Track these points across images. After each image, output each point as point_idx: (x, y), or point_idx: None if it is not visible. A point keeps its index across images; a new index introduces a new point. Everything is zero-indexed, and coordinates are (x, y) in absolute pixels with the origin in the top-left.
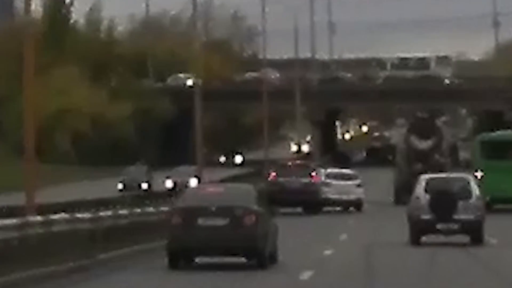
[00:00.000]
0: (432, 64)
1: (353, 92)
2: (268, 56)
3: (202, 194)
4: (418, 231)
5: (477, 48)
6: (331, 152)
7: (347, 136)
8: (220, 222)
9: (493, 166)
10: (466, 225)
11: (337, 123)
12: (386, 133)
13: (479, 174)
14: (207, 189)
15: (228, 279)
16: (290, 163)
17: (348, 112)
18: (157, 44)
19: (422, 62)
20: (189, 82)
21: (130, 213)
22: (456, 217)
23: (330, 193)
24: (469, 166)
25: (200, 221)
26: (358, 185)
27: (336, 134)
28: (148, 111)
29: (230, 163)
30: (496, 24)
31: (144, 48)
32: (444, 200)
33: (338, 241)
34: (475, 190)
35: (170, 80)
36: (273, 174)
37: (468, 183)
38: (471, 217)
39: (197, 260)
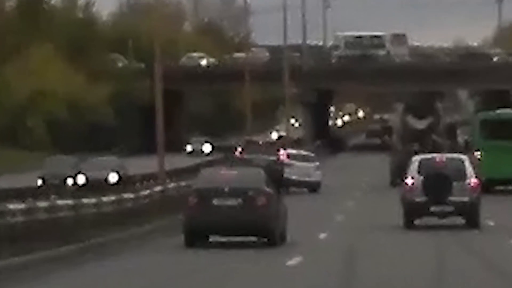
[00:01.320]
0: (388, 43)
1: (347, 72)
2: (261, 42)
3: (216, 176)
4: (411, 214)
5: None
6: (324, 136)
7: (341, 121)
8: (234, 202)
9: (493, 146)
10: (461, 207)
11: (331, 108)
12: (386, 116)
13: (478, 154)
14: (221, 172)
15: (238, 258)
16: (260, 141)
17: (344, 96)
18: (142, 25)
19: (377, 41)
20: (203, 62)
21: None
22: (450, 199)
23: (290, 174)
24: (468, 148)
25: (215, 201)
26: (317, 167)
27: (329, 117)
28: (128, 93)
29: (199, 152)
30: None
31: (125, 27)
32: (438, 182)
33: (331, 224)
34: (470, 171)
35: (184, 60)
36: (239, 150)
37: (463, 163)
38: (466, 199)
39: (211, 239)
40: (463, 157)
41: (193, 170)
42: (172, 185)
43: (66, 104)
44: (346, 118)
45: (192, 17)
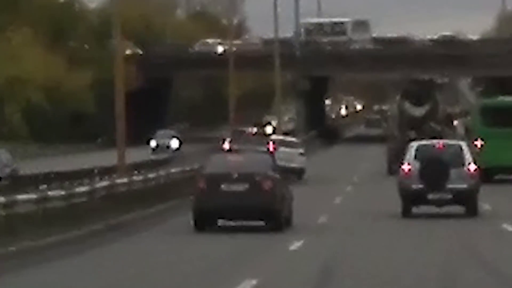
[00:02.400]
0: (349, 29)
1: (341, 59)
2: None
3: (224, 162)
4: (409, 201)
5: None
6: (319, 126)
7: (335, 114)
8: (241, 187)
9: (493, 134)
10: (459, 194)
11: (327, 100)
12: (386, 107)
13: (478, 142)
14: (229, 158)
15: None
16: (249, 131)
17: (342, 89)
18: (130, 10)
19: (338, 27)
20: (220, 49)
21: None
22: (448, 186)
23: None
24: (468, 136)
25: (223, 186)
26: (301, 154)
27: (324, 106)
28: (111, 80)
29: (164, 148)
30: None
31: (109, 10)
32: (435, 168)
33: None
34: (469, 157)
35: (197, 47)
36: (228, 140)
37: (461, 149)
38: (465, 186)
39: (219, 223)
40: (462, 143)
41: (157, 164)
42: (125, 180)
43: (45, 91)
44: (343, 111)
45: (185, 4)
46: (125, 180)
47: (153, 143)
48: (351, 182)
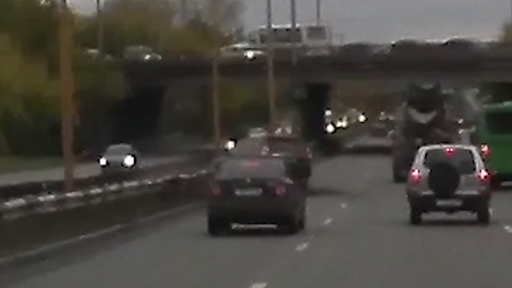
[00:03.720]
0: (304, 35)
1: (341, 65)
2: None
3: (237, 167)
4: (418, 208)
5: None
6: (318, 137)
7: (332, 127)
8: (254, 192)
9: (500, 140)
10: (469, 201)
11: (327, 111)
12: (391, 117)
13: (484, 148)
14: (242, 163)
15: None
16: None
17: (344, 99)
18: (124, 18)
19: (293, 33)
20: (250, 54)
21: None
22: (458, 192)
23: None
24: (473, 143)
25: (237, 192)
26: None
27: (323, 117)
28: (96, 89)
29: (118, 164)
30: None
31: (96, 17)
32: (445, 174)
33: (323, 225)
34: (479, 163)
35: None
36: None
37: (472, 155)
38: (475, 192)
39: (233, 227)
40: (472, 148)
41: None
42: (73, 194)
43: (23, 101)
44: (342, 123)
45: (181, 12)
46: (52, 197)
47: (102, 161)
48: (356, 190)
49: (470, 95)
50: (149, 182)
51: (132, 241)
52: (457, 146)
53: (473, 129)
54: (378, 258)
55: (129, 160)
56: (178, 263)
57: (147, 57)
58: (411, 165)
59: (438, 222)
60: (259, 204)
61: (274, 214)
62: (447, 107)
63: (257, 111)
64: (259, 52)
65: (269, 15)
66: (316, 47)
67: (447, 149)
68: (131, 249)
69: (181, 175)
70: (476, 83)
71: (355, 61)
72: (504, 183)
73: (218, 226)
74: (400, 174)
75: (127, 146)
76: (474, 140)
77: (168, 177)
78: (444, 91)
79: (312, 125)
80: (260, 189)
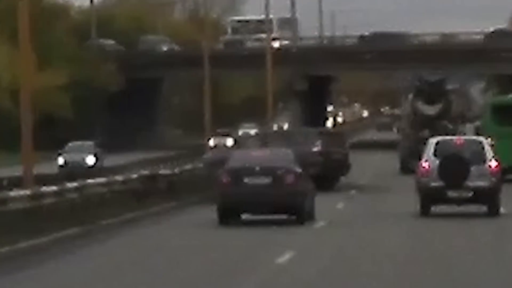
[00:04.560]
0: (274, 27)
1: (343, 55)
2: None
3: (247, 156)
4: (427, 200)
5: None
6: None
7: (340, 119)
8: (264, 181)
9: (506, 132)
10: (479, 192)
11: (329, 107)
12: (397, 111)
13: (490, 141)
14: (252, 152)
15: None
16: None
17: (347, 94)
18: (122, 9)
19: (264, 25)
20: (276, 44)
21: None
22: (468, 183)
23: None
24: (478, 135)
25: (246, 180)
26: None
27: (325, 110)
28: (89, 80)
29: (79, 164)
30: None
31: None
32: (455, 165)
33: (335, 210)
34: (490, 154)
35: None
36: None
37: (482, 146)
38: (485, 183)
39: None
40: (483, 139)
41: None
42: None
43: (11, 94)
44: (340, 118)
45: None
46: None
47: (60, 160)
48: (362, 181)
49: (475, 90)
50: (120, 179)
51: (87, 248)
52: (468, 137)
53: (477, 123)
54: (385, 248)
55: (90, 159)
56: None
57: (165, 48)
58: (418, 157)
59: (447, 215)
60: (268, 192)
61: (283, 203)
62: (453, 99)
63: (258, 106)
64: (285, 42)
65: (266, 6)
66: (286, 39)
67: (457, 140)
68: (83, 258)
69: (161, 171)
70: (483, 74)
71: (356, 51)
72: (510, 176)
73: (228, 215)
74: (407, 166)
75: (89, 143)
76: (480, 133)
77: (145, 173)
78: (450, 87)
79: (313, 119)
80: (270, 178)
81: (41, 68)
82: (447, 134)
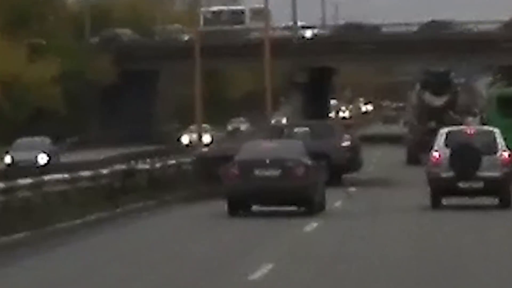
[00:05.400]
0: (247, 18)
1: (344, 46)
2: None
3: (257, 148)
4: (438, 191)
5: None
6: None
7: (342, 114)
8: (274, 173)
9: (511, 125)
10: (491, 183)
11: (333, 101)
12: (402, 104)
13: None
14: (262, 144)
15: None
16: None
17: (353, 89)
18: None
19: (237, 15)
20: (308, 33)
21: None
22: (479, 174)
23: None
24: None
25: (256, 172)
26: None
27: (327, 104)
28: (81, 73)
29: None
30: None
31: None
32: (466, 155)
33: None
34: (502, 144)
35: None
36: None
37: (494, 136)
38: (497, 174)
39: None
40: (494, 129)
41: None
42: None
43: (1, 86)
44: (346, 113)
45: None
46: None
47: (7, 158)
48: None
49: (481, 84)
50: (87, 175)
51: (36, 256)
52: (479, 127)
53: (480, 116)
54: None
55: (42, 158)
56: None
57: (186, 37)
58: (424, 148)
59: (458, 207)
60: (278, 184)
61: (293, 195)
62: (459, 90)
63: (259, 100)
64: (316, 31)
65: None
66: (259, 29)
67: (469, 130)
68: (25, 269)
69: (139, 166)
70: (491, 66)
71: (357, 41)
72: None
73: (237, 207)
74: (414, 157)
75: (40, 140)
76: (484, 124)
77: (120, 168)
78: (455, 81)
79: (315, 113)
80: (279, 170)
81: (31, 61)
82: (453, 125)
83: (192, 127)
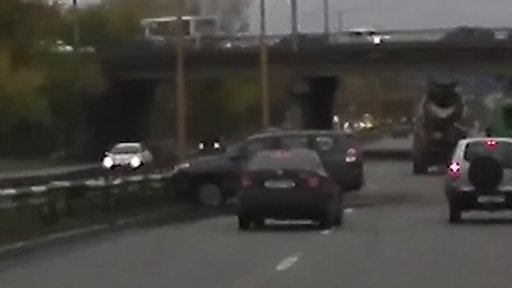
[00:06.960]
0: (192, 28)
1: (347, 56)
2: None
3: (269, 159)
4: (457, 205)
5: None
6: None
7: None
8: (286, 185)
9: None
10: None
11: (336, 118)
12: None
13: None
14: (274, 155)
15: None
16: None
17: (359, 107)
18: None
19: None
20: (376, 40)
21: None
22: (500, 188)
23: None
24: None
25: (268, 184)
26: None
27: (330, 116)
28: (69, 83)
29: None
30: None
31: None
32: (487, 168)
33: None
34: None
35: (342, 37)
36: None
37: None
38: None
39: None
40: None
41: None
42: None
43: None
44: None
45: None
46: None
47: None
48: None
49: (490, 101)
50: (12, 193)
51: None
52: (500, 138)
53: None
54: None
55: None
56: None
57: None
58: (430, 158)
59: (478, 221)
60: (291, 196)
61: (307, 208)
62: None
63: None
64: (384, 37)
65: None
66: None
67: (489, 142)
68: None
69: (90, 183)
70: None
71: (360, 50)
72: None
73: (249, 220)
74: (420, 167)
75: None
76: (490, 135)
77: (66, 184)
78: (464, 98)
79: (316, 127)
80: (292, 181)
81: (14, 69)
82: (459, 136)
83: (119, 146)
